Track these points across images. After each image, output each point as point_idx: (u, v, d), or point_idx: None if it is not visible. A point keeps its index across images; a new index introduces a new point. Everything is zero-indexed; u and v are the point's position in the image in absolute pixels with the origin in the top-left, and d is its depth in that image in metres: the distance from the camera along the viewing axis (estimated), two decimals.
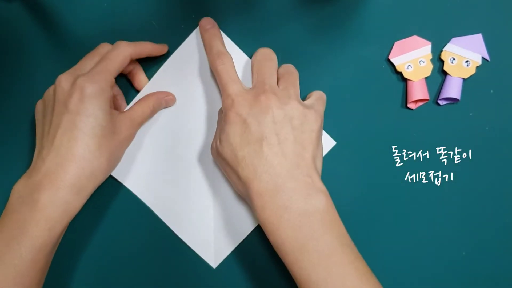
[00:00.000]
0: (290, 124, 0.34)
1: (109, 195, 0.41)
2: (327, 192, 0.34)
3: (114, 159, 0.38)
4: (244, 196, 0.36)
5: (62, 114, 0.35)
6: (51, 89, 0.37)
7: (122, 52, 0.37)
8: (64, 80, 0.36)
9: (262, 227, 0.33)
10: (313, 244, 0.31)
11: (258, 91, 0.35)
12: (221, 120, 0.37)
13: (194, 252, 0.41)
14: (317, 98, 0.38)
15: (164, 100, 0.41)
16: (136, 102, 0.40)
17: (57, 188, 0.33)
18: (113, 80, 0.37)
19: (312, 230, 0.32)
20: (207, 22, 0.40)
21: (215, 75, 0.38)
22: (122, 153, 0.39)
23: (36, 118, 0.38)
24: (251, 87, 0.37)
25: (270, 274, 0.41)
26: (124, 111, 0.39)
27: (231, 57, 0.38)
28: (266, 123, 0.34)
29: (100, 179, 0.36)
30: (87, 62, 0.38)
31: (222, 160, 0.36)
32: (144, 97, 0.40)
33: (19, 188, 0.34)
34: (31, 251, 0.33)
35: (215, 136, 0.38)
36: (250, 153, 0.34)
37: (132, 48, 0.38)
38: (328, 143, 0.39)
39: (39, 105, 0.39)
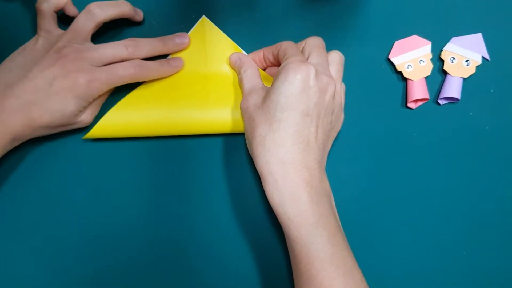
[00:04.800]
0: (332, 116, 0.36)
1: (114, 195, 0.41)
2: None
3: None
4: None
5: (55, 74, 0.36)
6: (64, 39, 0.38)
7: (128, 77, 0.38)
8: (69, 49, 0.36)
9: (275, 194, 0.33)
10: (324, 222, 0.32)
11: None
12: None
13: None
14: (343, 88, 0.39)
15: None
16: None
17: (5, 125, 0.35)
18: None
19: (324, 209, 0.33)
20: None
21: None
22: None
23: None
24: None
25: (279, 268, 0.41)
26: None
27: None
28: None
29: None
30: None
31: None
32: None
33: None
34: None
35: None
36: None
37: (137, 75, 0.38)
38: None
39: (56, 35, 0.39)
